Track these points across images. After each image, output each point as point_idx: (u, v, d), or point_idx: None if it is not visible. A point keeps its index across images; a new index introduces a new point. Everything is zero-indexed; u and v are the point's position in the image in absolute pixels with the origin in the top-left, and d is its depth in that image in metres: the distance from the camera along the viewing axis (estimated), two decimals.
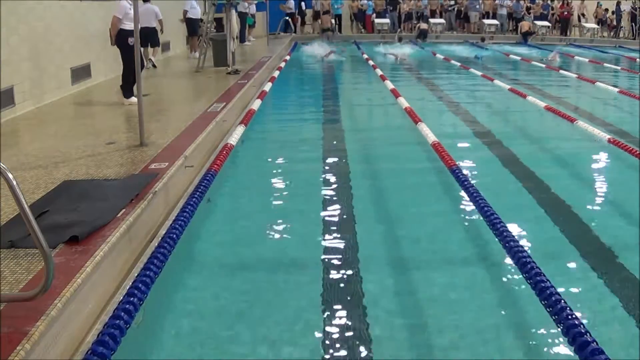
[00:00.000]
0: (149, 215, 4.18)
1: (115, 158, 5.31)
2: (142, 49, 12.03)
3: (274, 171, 6.40)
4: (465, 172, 5.32)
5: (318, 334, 3.28)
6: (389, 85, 11.08)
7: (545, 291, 3.05)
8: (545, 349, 3.20)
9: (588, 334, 2.69)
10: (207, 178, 4.99)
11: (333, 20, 24.27)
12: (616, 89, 11.53)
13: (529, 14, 25.68)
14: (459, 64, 15.83)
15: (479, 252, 4.45)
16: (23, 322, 2.58)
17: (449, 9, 26.28)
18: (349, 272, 4.01)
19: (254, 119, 7.96)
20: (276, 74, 12.60)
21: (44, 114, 7.57)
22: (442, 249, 4.49)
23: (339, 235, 4.60)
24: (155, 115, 7.20)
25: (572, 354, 2.75)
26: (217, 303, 3.67)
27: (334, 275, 3.96)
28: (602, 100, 11.56)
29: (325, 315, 3.46)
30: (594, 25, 25.64)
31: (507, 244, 3.69)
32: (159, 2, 13.52)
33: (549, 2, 26.38)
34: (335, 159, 6.74)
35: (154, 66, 12.51)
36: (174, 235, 3.80)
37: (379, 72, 13.23)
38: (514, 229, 4.31)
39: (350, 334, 3.27)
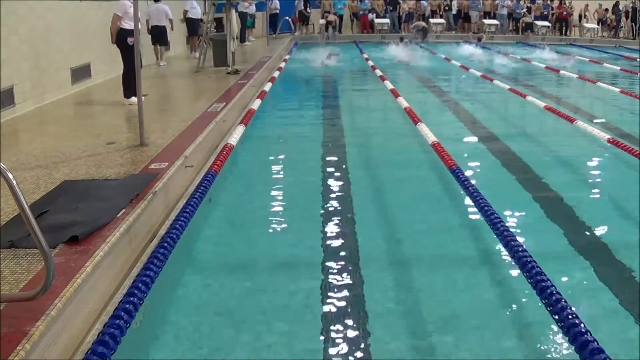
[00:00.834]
0: (149, 215, 4.18)
1: (115, 158, 5.31)
2: (154, 47, 12.69)
3: (274, 170, 6.41)
4: (465, 171, 5.31)
5: (318, 334, 3.27)
6: (389, 85, 11.08)
7: (545, 290, 3.05)
8: (545, 349, 3.20)
9: (588, 333, 2.68)
10: (207, 178, 4.99)
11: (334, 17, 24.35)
12: (617, 89, 11.53)
13: (529, 13, 25.69)
14: (458, 63, 15.83)
15: (479, 252, 4.45)
16: (23, 322, 2.58)
17: (447, 9, 26.31)
18: (349, 271, 4.01)
19: (254, 119, 7.97)
20: (276, 74, 12.61)
21: (44, 114, 7.57)
22: (442, 249, 4.49)
23: (339, 235, 4.60)
24: (155, 115, 7.20)
25: (572, 353, 2.75)
26: (217, 303, 3.67)
27: (334, 274, 3.96)
28: (603, 100, 11.57)
29: (325, 315, 3.46)
30: (594, 25, 25.67)
31: (507, 244, 3.69)
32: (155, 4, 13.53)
33: (549, 2, 26.40)
34: (335, 158, 6.75)
35: (160, 64, 12.97)
36: (174, 235, 3.80)
37: (378, 72, 13.25)
38: (514, 228, 4.31)
39: (350, 333, 3.27)
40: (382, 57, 17.77)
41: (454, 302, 3.69)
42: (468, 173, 5.47)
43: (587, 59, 17.61)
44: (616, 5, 25.54)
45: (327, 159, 6.81)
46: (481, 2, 25.56)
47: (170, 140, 5.91)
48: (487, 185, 5.56)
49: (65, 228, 3.52)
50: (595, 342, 2.62)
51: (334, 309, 3.52)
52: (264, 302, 3.66)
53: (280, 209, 5.25)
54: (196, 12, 14.80)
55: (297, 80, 13.96)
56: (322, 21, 24.32)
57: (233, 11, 12.26)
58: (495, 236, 3.93)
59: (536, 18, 25.65)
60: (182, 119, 6.96)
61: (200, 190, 4.64)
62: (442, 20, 25.67)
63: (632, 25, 25.39)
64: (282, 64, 14.74)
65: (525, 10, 25.65)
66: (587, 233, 4.81)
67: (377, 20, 24.93)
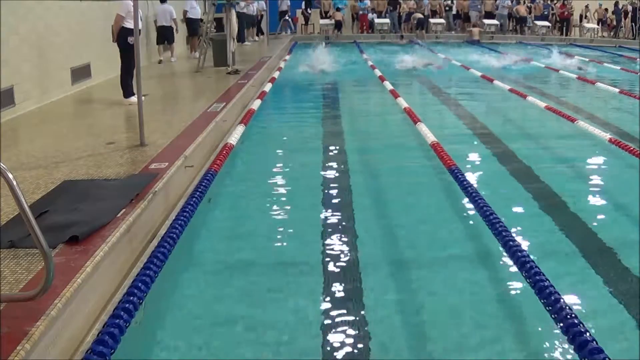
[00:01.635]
0: (149, 215, 4.18)
1: (115, 158, 5.31)
2: (159, 46, 13.61)
3: (274, 170, 6.41)
4: (464, 171, 5.31)
5: (318, 334, 3.28)
6: (388, 85, 11.08)
7: (544, 290, 3.05)
8: (544, 348, 3.21)
9: (587, 333, 2.69)
10: (207, 178, 4.99)
11: (334, 21, 24.33)
12: (616, 89, 11.53)
13: (529, 14, 25.70)
14: (459, 63, 15.82)
15: (478, 252, 4.45)
16: (23, 322, 2.58)
17: (447, 9, 26.31)
18: (349, 271, 4.01)
19: (254, 118, 7.98)
20: (276, 74, 12.60)
21: (44, 114, 7.58)
22: (442, 248, 4.49)
23: (339, 235, 4.60)
24: (156, 115, 7.20)
25: (572, 353, 2.76)
26: (217, 303, 3.67)
27: (334, 275, 3.97)
28: (603, 100, 11.56)
29: (325, 315, 3.46)
30: (594, 25, 25.68)
31: (506, 244, 3.70)
32: (156, 4, 13.54)
33: (549, 2, 26.40)
34: (335, 158, 6.75)
35: (172, 60, 13.77)
36: (174, 235, 3.81)
37: (377, 72, 13.24)
38: (513, 228, 4.31)
39: (350, 333, 3.27)
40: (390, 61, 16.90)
41: (452, 302, 3.69)
42: (467, 172, 5.46)
43: (588, 59, 17.59)
44: (616, 5, 25.53)
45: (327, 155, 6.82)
46: (481, 2, 25.56)
47: (170, 140, 5.92)
48: (486, 185, 5.59)
49: (65, 228, 3.52)
50: (595, 342, 2.62)
51: (334, 309, 3.53)
52: (264, 301, 3.66)
53: (280, 208, 5.25)
54: (196, 12, 14.81)
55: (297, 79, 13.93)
56: (324, 21, 24.29)
57: (233, 11, 12.26)
58: (493, 236, 3.93)
59: (536, 18, 25.66)
60: (182, 119, 6.96)
61: (200, 190, 4.64)
62: (442, 20, 25.67)
63: (632, 25, 25.39)
64: (282, 64, 14.73)
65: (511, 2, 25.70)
66: (587, 232, 4.81)
67: (377, 20, 24.94)
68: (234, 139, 6.41)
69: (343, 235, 4.60)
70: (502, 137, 8.04)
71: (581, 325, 2.73)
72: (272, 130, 8.65)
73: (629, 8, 25.23)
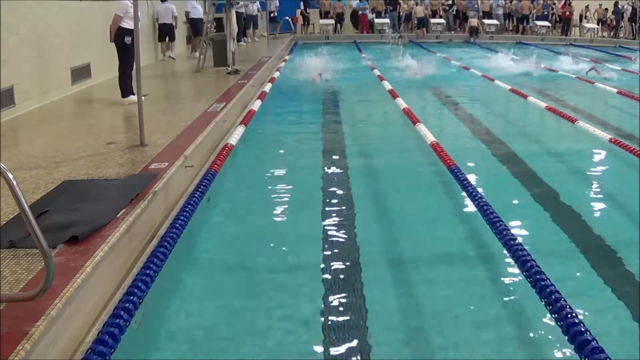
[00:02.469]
0: (149, 215, 4.18)
1: (115, 158, 5.31)
2: (161, 43, 13.97)
3: (274, 169, 6.41)
4: (464, 171, 5.31)
5: (318, 334, 3.28)
6: (387, 85, 11.08)
7: (545, 289, 3.05)
8: (545, 348, 3.21)
9: (588, 332, 2.69)
10: (207, 178, 4.99)
11: (333, 21, 24.32)
12: (615, 90, 11.52)
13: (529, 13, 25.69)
14: (459, 63, 15.81)
15: (479, 251, 4.45)
16: (23, 322, 2.58)
17: (447, 9, 26.30)
18: (349, 271, 4.01)
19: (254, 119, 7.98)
20: (276, 74, 12.60)
21: (44, 114, 7.57)
22: (441, 248, 4.49)
23: (339, 235, 4.60)
24: (155, 115, 7.20)
25: (573, 353, 2.75)
26: (217, 303, 3.67)
27: (334, 275, 3.97)
28: (603, 100, 11.56)
29: (325, 315, 3.46)
30: (594, 25, 25.67)
31: (506, 243, 3.69)
32: (159, 4, 13.55)
33: (549, 2, 26.40)
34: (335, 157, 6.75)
35: (172, 58, 13.98)
36: (174, 235, 3.81)
37: (377, 72, 13.22)
38: (513, 227, 4.31)
39: (350, 333, 3.27)
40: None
41: (452, 301, 3.69)
42: (466, 172, 5.46)
43: (588, 59, 17.57)
44: (616, 5, 25.53)
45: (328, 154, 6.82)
46: (478, 3, 25.54)
47: (170, 140, 5.91)
48: (486, 185, 5.58)
49: (65, 228, 3.52)
50: (595, 341, 2.62)
51: (334, 309, 3.53)
52: (264, 301, 3.66)
53: (280, 208, 5.25)
54: (197, 11, 14.82)
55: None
56: (324, 21, 24.24)
57: (233, 11, 12.26)
58: (494, 235, 3.94)
59: (536, 18, 25.65)
60: (182, 119, 6.96)
61: (200, 190, 4.64)
62: (442, 20, 25.66)
63: (632, 25, 25.39)
64: (282, 64, 14.72)
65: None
66: (587, 232, 4.81)
67: (377, 20, 24.92)
68: (234, 139, 6.41)
69: (343, 234, 4.60)
70: (501, 136, 8.04)
71: (581, 324, 2.73)
72: (271, 128, 8.66)
73: (627, 8, 25.19)
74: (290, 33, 23.11)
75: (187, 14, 14.77)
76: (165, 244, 3.66)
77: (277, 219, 5.04)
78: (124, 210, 3.93)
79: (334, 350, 3.14)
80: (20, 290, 2.89)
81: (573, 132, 7.92)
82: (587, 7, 26.54)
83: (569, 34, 25.81)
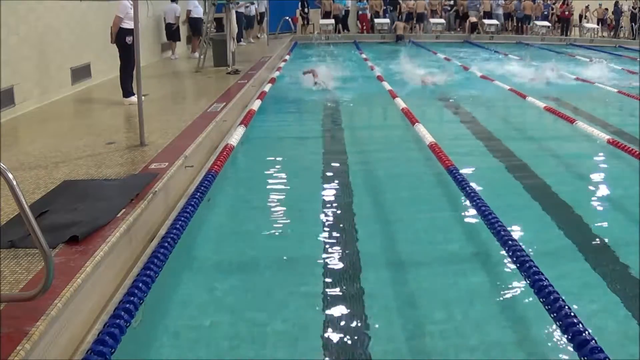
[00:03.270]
0: (149, 215, 4.19)
1: (115, 158, 5.31)
2: (171, 42, 14.29)
3: (274, 169, 6.42)
4: (462, 172, 5.31)
5: (318, 334, 3.28)
6: (386, 85, 11.07)
7: (543, 290, 3.06)
8: (544, 348, 3.21)
9: (587, 332, 2.69)
10: (208, 178, 5.00)
11: (334, 21, 24.28)
12: (615, 90, 11.52)
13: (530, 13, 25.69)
14: (459, 63, 15.80)
15: (477, 251, 4.45)
16: (23, 322, 2.59)
17: (448, 9, 26.31)
18: (349, 271, 4.01)
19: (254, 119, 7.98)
20: (276, 74, 12.59)
21: (44, 114, 7.58)
22: (441, 248, 4.50)
23: (338, 235, 4.60)
24: (156, 115, 7.20)
25: (572, 353, 2.76)
26: (217, 303, 3.67)
27: (334, 275, 3.97)
28: (602, 100, 11.56)
29: (325, 315, 3.46)
30: (594, 25, 25.67)
31: (505, 243, 3.70)
32: (160, 3, 13.54)
33: (549, 2, 26.40)
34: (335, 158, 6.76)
35: (173, 58, 14.27)
36: (174, 235, 3.81)
37: (376, 72, 13.22)
38: (512, 228, 4.31)
39: (349, 333, 3.27)
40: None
41: (452, 301, 3.69)
42: (465, 173, 5.46)
43: (588, 59, 17.56)
44: (616, 5, 25.53)
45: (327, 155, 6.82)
46: (480, 3, 25.55)
47: (170, 140, 5.92)
48: (486, 184, 5.58)
49: (65, 228, 3.53)
50: (594, 341, 2.62)
51: (334, 309, 3.53)
52: (264, 301, 3.66)
53: (280, 208, 5.25)
54: (198, 11, 14.84)
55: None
56: (324, 21, 24.23)
57: (233, 11, 12.26)
58: (492, 235, 3.94)
59: (536, 18, 25.65)
60: (182, 119, 6.96)
61: (200, 190, 4.65)
62: (442, 20, 25.65)
63: (632, 26, 25.39)
64: (282, 64, 14.72)
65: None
66: (587, 232, 4.81)
67: (377, 20, 24.91)
68: (234, 139, 6.42)
69: (343, 233, 4.60)
70: (500, 136, 8.04)
71: (581, 324, 2.74)
72: (271, 126, 8.65)
73: (626, 8, 25.19)
74: (290, 33, 23.11)
75: (188, 12, 14.81)
76: (166, 244, 3.67)
77: (277, 218, 5.04)
78: (124, 210, 3.93)
79: (334, 352, 3.14)
80: (20, 290, 2.89)
81: (570, 130, 7.90)
82: (587, 7, 26.54)
83: (568, 34, 25.81)
